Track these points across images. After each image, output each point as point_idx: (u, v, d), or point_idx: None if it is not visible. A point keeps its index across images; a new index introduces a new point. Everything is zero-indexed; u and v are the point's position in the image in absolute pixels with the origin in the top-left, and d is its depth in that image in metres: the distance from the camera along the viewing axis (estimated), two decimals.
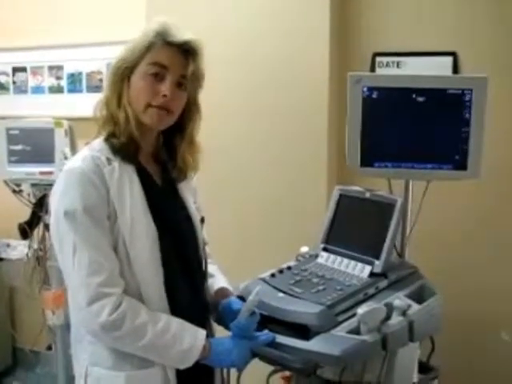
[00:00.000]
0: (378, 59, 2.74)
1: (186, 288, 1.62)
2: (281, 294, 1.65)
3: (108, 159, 1.53)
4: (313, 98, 2.67)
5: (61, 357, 3.03)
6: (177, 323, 1.50)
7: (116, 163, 1.53)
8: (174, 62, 1.53)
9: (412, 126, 1.95)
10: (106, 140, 1.57)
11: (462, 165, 1.92)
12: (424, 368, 2.05)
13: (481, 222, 2.67)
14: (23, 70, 3.76)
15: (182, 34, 1.54)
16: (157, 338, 1.45)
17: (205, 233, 1.78)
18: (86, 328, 1.49)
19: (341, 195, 1.93)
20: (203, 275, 1.73)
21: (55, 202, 1.49)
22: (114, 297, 1.43)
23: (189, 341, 1.49)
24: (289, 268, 1.83)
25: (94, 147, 1.56)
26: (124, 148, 1.54)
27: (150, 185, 1.59)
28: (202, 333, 1.52)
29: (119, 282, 1.46)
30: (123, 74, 1.54)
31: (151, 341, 1.45)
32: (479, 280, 2.67)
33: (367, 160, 1.97)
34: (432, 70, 2.62)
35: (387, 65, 2.72)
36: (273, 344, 1.53)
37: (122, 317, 1.43)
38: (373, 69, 2.74)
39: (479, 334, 2.68)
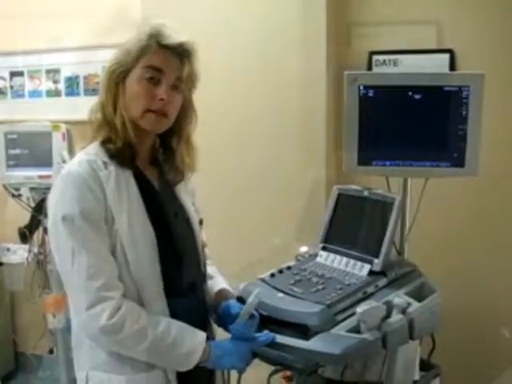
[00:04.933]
0: (375, 57, 2.73)
1: (186, 290, 1.62)
2: (280, 294, 1.65)
3: (104, 163, 1.52)
4: (310, 97, 2.66)
5: (62, 360, 3.03)
6: (177, 327, 1.50)
7: (112, 167, 1.52)
8: (169, 64, 1.53)
9: (409, 124, 1.94)
10: (102, 144, 1.56)
11: (459, 162, 1.92)
12: (425, 366, 2.06)
13: (480, 220, 2.67)
14: (20, 74, 3.77)
15: (176, 35, 1.54)
16: (157, 341, 1.45)
17: (204, 234, 1.78)
18: (86, 332, 1.49)
19: (339, 194, 1.93)
20: (202, 277, 1.73)
21: (52, 206, 1.49)
22: (113, 300, 1.43)
23: (189, 344, 1.48)
24: (288, 268, 1.82)
25: (90, 151, 1.55)
26: (120, 153, 1.54)
27: (148, 188, 1.59)
28: (203, 336, 1.52)
29: (118, 285, 1.46)
30: (118, 77, 1.53)
31: (151, 345, 1.44)
32: (479, 277, 2.66)
33: (365, 158, 1.97)
34: (429, 67, 2.62)
35: (384, 63, 2.72)
36: (273, 344, 1.53)
37: (122, 320, 1.42)
38: (369, 67, 2.73)
39: (480, 332, 2.68)
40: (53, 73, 3.65)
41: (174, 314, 1.54)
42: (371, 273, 1.72)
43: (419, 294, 1.72)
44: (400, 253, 2.06)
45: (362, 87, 1.94)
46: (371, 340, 1.49)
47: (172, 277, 1.56)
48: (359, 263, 1.75)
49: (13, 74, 3.78)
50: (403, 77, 1.97)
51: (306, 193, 2.70)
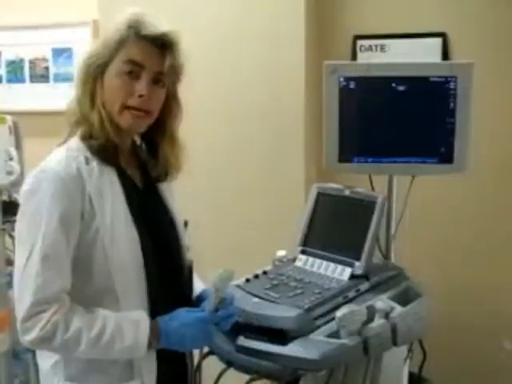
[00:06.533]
0: (360, 42, 2.72)
1: (169, 293, 1.64)
2: (255, 299, 1.69)
3: (86, 158, 1.54)
4: (288, 87, 2.69)
5: None
6: (115, 322, 1.51)
7: (95, 163, 1.54)
8: (149, 57, 1.54)
9: (393, 118, 1.98)
10: (83, 140, 1.58)
11: (447, 158, 1.95)
12: (416, 380, 2.15)
13: (471, 220, 2.75)
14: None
15: (157, 25, 1.54)
16: (93, 343, 1.48)
17: (187, 237, 1.80)
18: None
19: (319, 193, 1.96)
20: (186, 279, 1.73)
21: (23, 202, 1.52)
22: (48, 313, 1.47)
23: (131, 336, 1.50)
24: (264, 273, 1.86)
25: (72, 147, 1.57)
26: (102, 149, 1.56)
27: (131, 187, 1.61)
28: (145, 321, 1.52)
29: (59, 298, 1.49)
30: (95, 72, 1.54)
31: (88, 346, 1.47)
32: (474, 283, 2.75)
33: (346, 155, 2.00)
34: (420, 53, 2.62)
35: (370, 49, 2.71)
36: (248, 350, 1.59)
37: (52, 330, 1.46)
38: (354, 53, 2.71)
39: (478, 338, 2.75)
40: None
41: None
42: (353, 276, 1.77)
43: (405, 299, 1.77)
44: (386, 256, 2.09)
45: (341, 79, 1.95)
46: (351, 345, 1.53)
47: (154, 278, 1.59)
48: (340, 267, 1.80)
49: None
50: (386, 67, 2.00)
51: (284, 192, 2.76)
